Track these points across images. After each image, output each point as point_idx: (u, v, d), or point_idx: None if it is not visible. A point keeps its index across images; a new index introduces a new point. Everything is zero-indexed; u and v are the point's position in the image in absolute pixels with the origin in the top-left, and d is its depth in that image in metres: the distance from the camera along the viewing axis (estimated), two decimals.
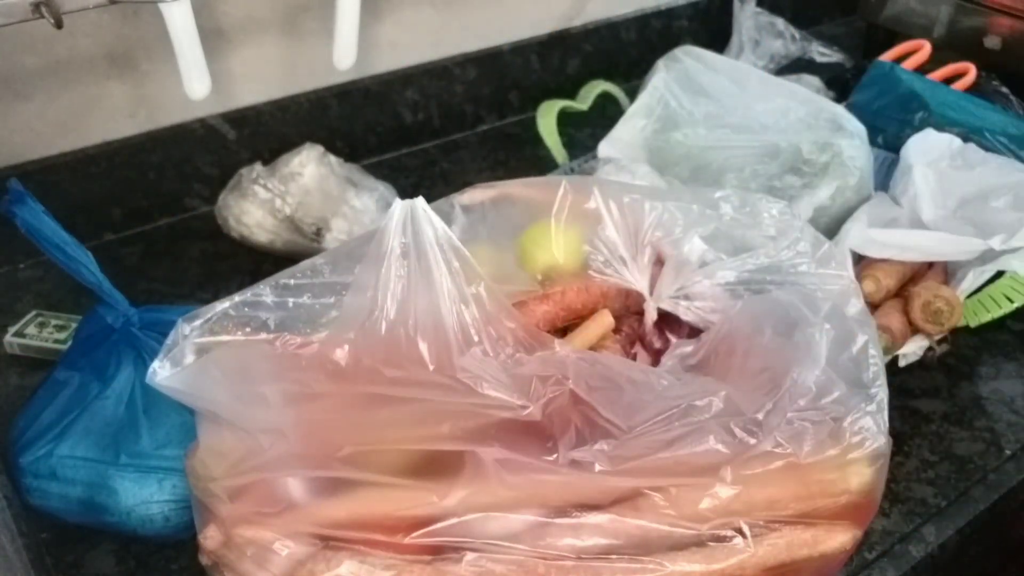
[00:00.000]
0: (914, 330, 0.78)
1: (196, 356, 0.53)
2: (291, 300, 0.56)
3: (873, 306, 0.79)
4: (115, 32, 0.90)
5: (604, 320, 0.64)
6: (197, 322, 0.55)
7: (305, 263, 0.58)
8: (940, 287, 0.78)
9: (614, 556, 0.50)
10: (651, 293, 0.66)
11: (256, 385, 0.53)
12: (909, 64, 1.07)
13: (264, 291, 0.56)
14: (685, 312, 0.65)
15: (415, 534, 0.49)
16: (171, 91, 0.93)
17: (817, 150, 0.89)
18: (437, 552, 0.49)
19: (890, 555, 0.64)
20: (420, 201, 0.53)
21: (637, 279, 0.65)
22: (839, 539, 0.54)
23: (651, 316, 0.66)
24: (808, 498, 0.53)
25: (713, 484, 0.51)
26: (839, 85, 1.13)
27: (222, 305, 0.56)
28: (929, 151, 0.87)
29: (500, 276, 0.59)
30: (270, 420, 0.52)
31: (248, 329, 0.55)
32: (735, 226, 0.65)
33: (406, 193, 0.99)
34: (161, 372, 0.53)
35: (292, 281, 0.57)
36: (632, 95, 1.01)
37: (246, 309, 0.56)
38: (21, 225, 0.61)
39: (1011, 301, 0.82)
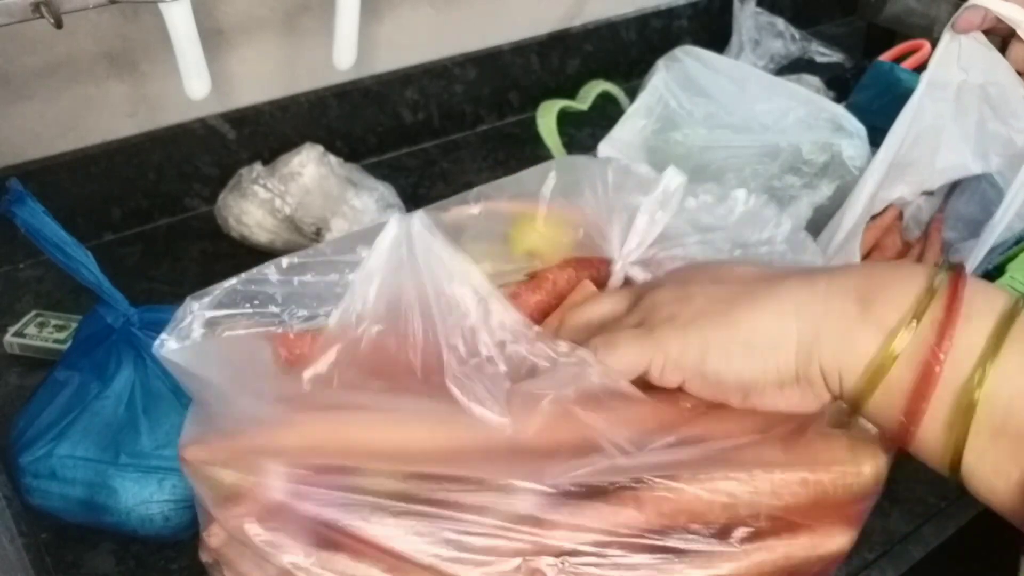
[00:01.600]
0: None
1: (204, 330, 0.53)
2: (296, 279, 0.56)
3: None
4: (115, 32, 0.90)
5: (586, 289, 0.64)
6: (205, 299, 0.54)
7: (308, 250, 0.58)
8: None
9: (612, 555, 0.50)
10: (620, 257, 0.66)
11: (254, 382, 0.52)
12: (909, 64, 1.07)
13: (269, 270, 0.56)
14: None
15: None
16: (171, 91, 0.94)
17: (817, 150, 0.89)
18: None
19: (890, 555, 0.64)
20: (418, 216, 0.53)
21: (612, 246, 0.65)
22: (838, 540, 0.54)
23: (617, 279, 0.66)
24: (809, 498, 0.53)
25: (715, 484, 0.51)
26: (839, 85, 1.13)
27: (229, 282, 0.55)
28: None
29: (494, 272, 0.59)
30: (267, 415, 0.52)
31: (256, 301, 0.55)
32: (704, 211, 0.65)
33: (406, 193, 0.99)
34: (168, 344, 0.52)
35: (297, 260, 0.57)
36: (632, 95, 1.01)
37: (252, 286, 0.55)
38: (21, 225, 0.61)
39: None
